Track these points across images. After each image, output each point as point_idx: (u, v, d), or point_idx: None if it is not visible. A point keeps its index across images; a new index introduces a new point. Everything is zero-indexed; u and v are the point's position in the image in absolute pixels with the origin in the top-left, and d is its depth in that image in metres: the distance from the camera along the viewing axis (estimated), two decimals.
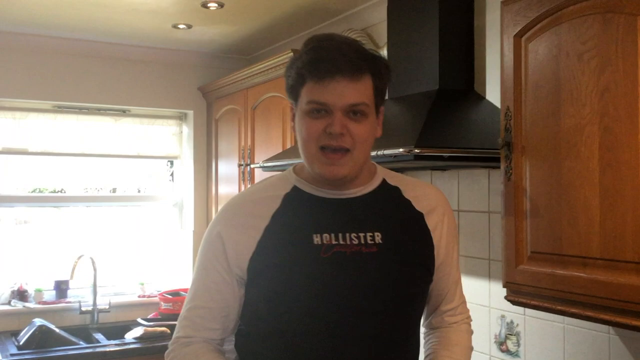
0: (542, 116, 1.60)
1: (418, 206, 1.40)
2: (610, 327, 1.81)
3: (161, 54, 3.83)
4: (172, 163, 4.14)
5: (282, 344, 1.31)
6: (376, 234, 1.33)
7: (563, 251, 1.53)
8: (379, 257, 1.32)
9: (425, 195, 1.42)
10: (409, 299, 1.36)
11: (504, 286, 1.70)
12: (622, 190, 1.39)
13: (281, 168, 2.64)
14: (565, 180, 1.53)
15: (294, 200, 1.35)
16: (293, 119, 1.35)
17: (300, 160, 1.35)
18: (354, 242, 1.31)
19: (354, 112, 1.27)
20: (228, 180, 3.65)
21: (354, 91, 1.26)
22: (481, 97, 2.29)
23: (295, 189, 1.37)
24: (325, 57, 1.26)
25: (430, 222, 1.39)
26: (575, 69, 1.50)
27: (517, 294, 1.67)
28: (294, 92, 1.32)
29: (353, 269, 1.30)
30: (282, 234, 1.32)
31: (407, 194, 1.41)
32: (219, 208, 1.46)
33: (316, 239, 1.30)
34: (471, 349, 1.49)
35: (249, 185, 3.30)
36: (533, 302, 1.63)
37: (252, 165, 3.06)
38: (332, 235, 1.31)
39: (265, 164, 2.61)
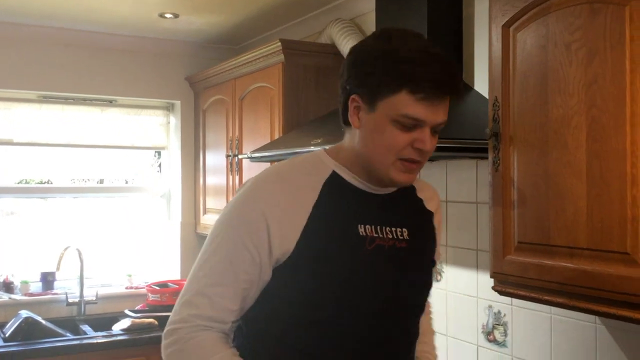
0: (530, 106, 1.59)
1: (428, 206, 1.46)
2: (597, 317, 1.82)
3: (148, 44, 3.80)
4: (159, 154, 4.12)
5: (316, 334, 1.27)
6: (404, 229, 1.37)
7: (550, 241, 1.53)
8: (409, 252, 1.36)
9: (432, 196, 1.49)
10: (428, 293, 1.45)
11: (491, 276, 1.70)
12: (609, 180, 1.39)
13: (269, 159, 2.62)
14: (553, 171, 1.53)
15: (336, 187, 1.31)
16: (357, 113, 1.27)
17: (311, 149, 1.34)
18: (389, 237, 1.34)
19: (436, 129, 1.27)
20: (216, 171, 3.64)
21: (445, 110, 1.27)
22: (469, 88, 2.29)
23: (335, 175, 1.32)
24: (439, 76, 1.21)
25: (436, 221, 1.47)
26: (563, 59, 1.50)
27: (505, 284, 1.67)
28: (376, 90, 1.23)
29: (393, 263, 1.34)
30: (328, 220, 1.28)
31: (420, 193, 1.46)
32: (243, 187, 1.32)
33: (361, 230, 1.30)
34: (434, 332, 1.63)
35: (236, 177, 3.29)
36: (520, 292, 1.63)
37: (240, 156, 3.04)
38: (373, 227, 1.32)
39: (254, 155, 2.59)
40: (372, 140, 1.26)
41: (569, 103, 1.48)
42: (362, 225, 1.31)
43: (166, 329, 1.30)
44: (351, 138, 1.32)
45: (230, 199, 1.41)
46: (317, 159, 1.36)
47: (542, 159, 1.56)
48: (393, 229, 1.35)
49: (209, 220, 3.69)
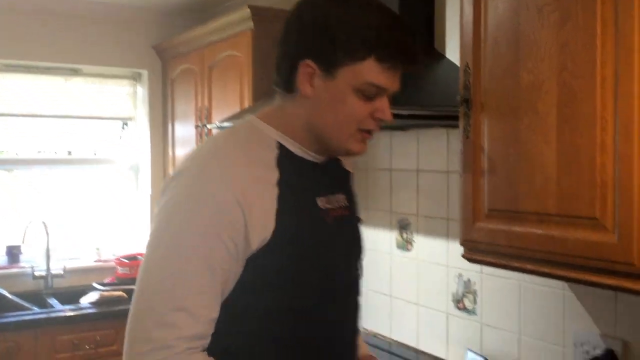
0: (501, 72, 1.57)
1: (346, 166, 1.40)
2: (565, 284, 1.84)
3: (113, 10, 3.68)
4: (127, 125, 4.03)
5: (291, 321, 1.18)
6: (342, 195, 1.32)
7: (520, 208, 1.53)
8: (351, 219, 1.33)
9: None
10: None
11: (461, 244, 1.69)
12: (579, 146, 1.38)
13: None
14: (523, 138, 1.51)
15: (288, 159, 1.20)
16: (311, 81, 1.16)
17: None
18: (338, 205, 1.28)
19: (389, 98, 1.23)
20: (185, 142, 3.57)
21: (400, 78, 1.22)
22: (441, 56, 2.26)
23: (282, 146, 1.21)
24: (406, 44, 1.17)
25: (352, 181, 1.42)
26: (535, 23, 1.48)
27: (474, 252, 1.67)
28: (337, 56, 1.14)
29: (346, 235, 1.30)
30: (294, 198, 1.17)
31: None
32: (195, 164, 1.17)
33: (320, 203, 1.24)
34: None
35: None
36: (489, 260, 1.63)
37: (209, 126, 2.99)
38: (326, 199, 1.26)
39: (223, 125, 2.54)
40: (332, 110, 1.18)
41: (540, 68, 1.47)
42: (319, 198, 1.24)
43: None
44: (297, 106, 1.20)
45: (174, 174, 1.18)
46: (255, 129, 1.22)
47: (512, 125, 1.54)
48: (337, 197, 1.30)
49: None
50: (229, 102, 3.04)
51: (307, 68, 1.17)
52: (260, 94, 2.81)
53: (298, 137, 1.22)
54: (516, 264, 1.56)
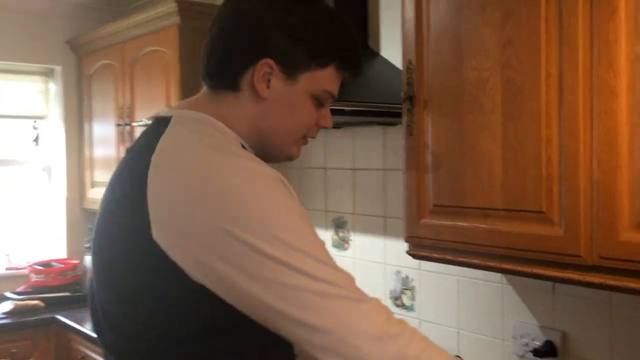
0: (445, 69, 1.58)
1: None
2: (504, 278, 1.88)
3: (22, 2, 3.46)
4: (37, 124, 3.80)
5: None
6: None
7: (465, 203, 1.54)
8: None
9: None
10: None
11: (406, 241, 1.69)
12: (524, 142, 1.41)
13: None
14: (468, 134, 1.53)
15: None
16: (267, 80, 1.06)
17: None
18: None
19: None
20: (104, 141, 3.41)
21: None
22: (376, 54, 2.27)
23: (244, 149, 1.09)
24: (359, 55, 1.15)
25: None
26: (478, 20, 1.49)
27: (419, 248, 1.67)
28: (303, 60, 1.07)
29: None
30: None
31: None
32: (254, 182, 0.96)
33: None
34: None
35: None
36: (435, 255, 1.64)
37: (134, 124, 2.86)
38: None
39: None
40: (286, 114, 1.10)
41: (484, 65, 1.48)
42: None
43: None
44: (241, 106, 1.09)
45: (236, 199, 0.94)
46: (221, 129, 1.07)
47: (457, 122, 1.55)
48: None
49: (96, 194, 3.46)
50: (153, 99, 2.92)
51: (265, 67, 1.07)
52: (189, 91, 2.71)
53: (249, 140, 1.10)
54: (461, 259, 1.57)
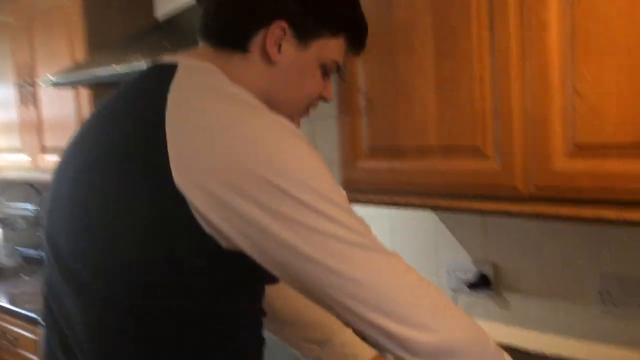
0: (375, 10, 1.56)
1: None
2: (437, 218, 1.92)
3: None
4: None
5: None
6: None
7: (400, 143, 1.55)
8: None
9: None
10: None
11: (342, 186, 1.69)
12: (458, 80, 1.43)
13: (81, 83, 2.35)
14: (401, 74, 1.53)
15: None
16: (279, 44, 1.01)
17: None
18: None
19: None
20: (2, 104, 3.18)
21: None
22: None
23: None
24: (367, 32, 1.14)
25: None
26: None
27: (356, 192, 1.67)
28: (317, 26, 1.03)
29: None
30: None
31: None
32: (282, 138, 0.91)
33: None
34: None
35: (32, 109, 2.91)
36: (372, 198, 1.65)
37: (41, 82, 2.66)
38: None
39: (60, 80, 2.28)
40: (297, 81, 1.06)
41: (415, 4, 1.48)
42: None
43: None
44: (249, 69, 1.03)
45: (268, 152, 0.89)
46: (240, 92, 0.98)
47: (389, 63, 1.55)
48: None
49: None
50: (57, 56, 2.74)
51: (278, 30, 1.01)
52: (95, 46, 2.57)
53: None
54: (399, 200, 1.59)
